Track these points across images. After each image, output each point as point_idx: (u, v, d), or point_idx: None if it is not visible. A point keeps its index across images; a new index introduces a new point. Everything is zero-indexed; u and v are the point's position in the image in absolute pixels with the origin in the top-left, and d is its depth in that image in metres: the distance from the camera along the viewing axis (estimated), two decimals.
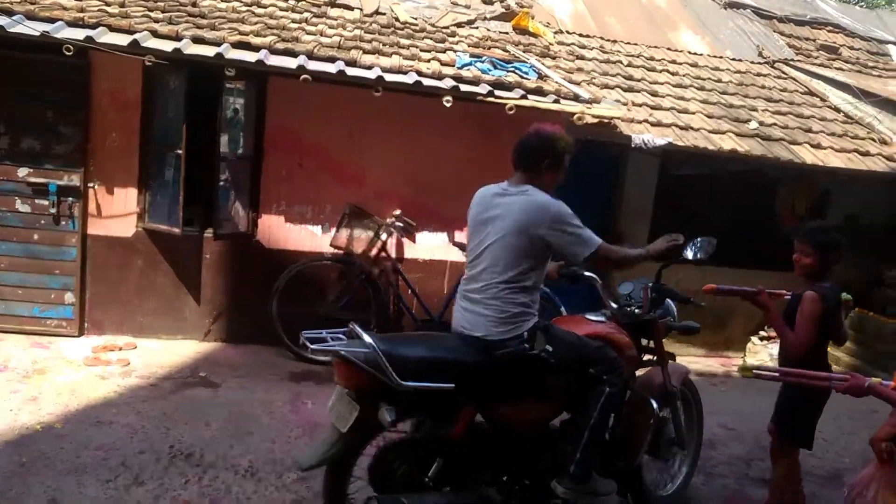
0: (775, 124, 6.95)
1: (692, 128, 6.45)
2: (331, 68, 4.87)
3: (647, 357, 3.36)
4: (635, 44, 8.42)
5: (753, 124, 6.78)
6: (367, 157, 5.53)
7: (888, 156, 6.95)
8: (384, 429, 2.59)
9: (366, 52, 5.45)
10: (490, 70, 5.58)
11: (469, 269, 2.86)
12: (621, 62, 7.65)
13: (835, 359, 7.23)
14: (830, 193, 7.36)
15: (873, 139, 7.26)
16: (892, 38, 10.56)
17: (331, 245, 5.33)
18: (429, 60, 5.59)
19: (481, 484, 2.85)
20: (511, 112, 5.10)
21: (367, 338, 2.48)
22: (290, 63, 4.85)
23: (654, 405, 3.11)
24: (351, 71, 4.93)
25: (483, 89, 5.15)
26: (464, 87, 5.12)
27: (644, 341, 3.33)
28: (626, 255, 2.90)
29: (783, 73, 8.63)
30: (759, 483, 4.04)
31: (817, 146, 6.72)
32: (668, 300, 3.33)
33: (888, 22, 11.38)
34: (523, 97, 5.21)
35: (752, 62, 8.77)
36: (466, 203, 5.62)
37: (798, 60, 8.89)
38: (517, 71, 5.67)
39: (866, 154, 6.86)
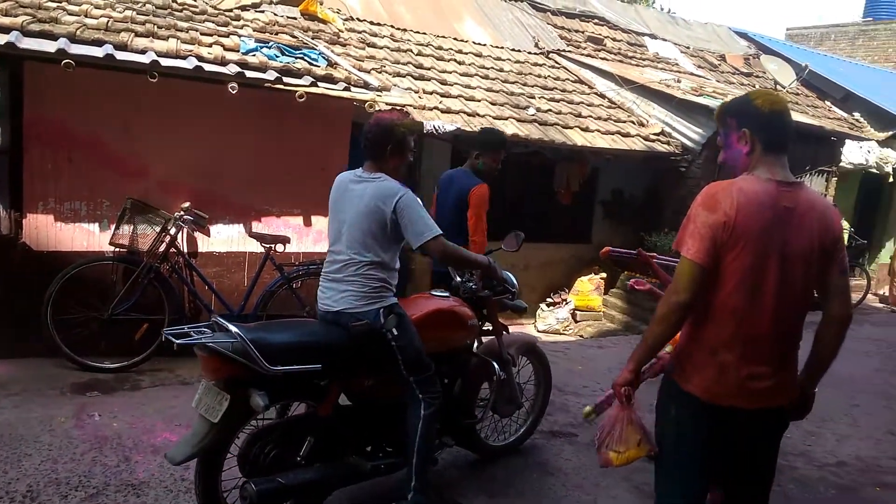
0: (550, 110, 7.59)
1: (479, 114, 6.84)
2: (97, 52, 4.50)
3: (486, 327, 3.67)
4: (424, 33, 8.70)
5: (532, 110, 7.35)
6: (149, 148, 5.18)
7: (645, 136, 7.91)
8: (256, 415, 2.70)
9: (138, 34, 5.09)
10: (277, 56, 5.48)
11: (330, 251, 3.02)
12: (412, 51, 7.88)
13: (609, 316, 8.14)
14: (599, 171, 8.19)
15: (633, 122, 8.21)
16: (648, 30, 11.94)
17: (110, 243, 4.94)
18: (211, 45, 5.36)
19: (351, 455, 3.03)
20: (302, 100, 5.07)
21: (233, 328, 2.57)
22: (48, 46, 4.40)
23: (496, 367, 3.51)
24: (121, 55, 4.59)
25: (270, 76, 5.06)
26: (250, 74, 4.99)
27: None
28: (461, 256, 3.11)
29: (556, 62, 9.42)
30: (550, 435, 4.46)
31: (586, 129, 7.45)
32: (511, 277, 3.65)
33: (644, 16, 12.83)
34: (313, 84, 5.19)
35: (530, 52, 9.46)
36: (262, 192, 5.60)
37: (569, 51, 9.74)
38: (306, 58, 5.63)
39: (627, 135, 7.74)
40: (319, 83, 5.25)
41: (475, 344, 3.60)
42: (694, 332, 2.21)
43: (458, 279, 3.53)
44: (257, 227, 5.56)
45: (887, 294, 10.73)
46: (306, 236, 5.80)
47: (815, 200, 2.20)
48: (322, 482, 2.90)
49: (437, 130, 6.14)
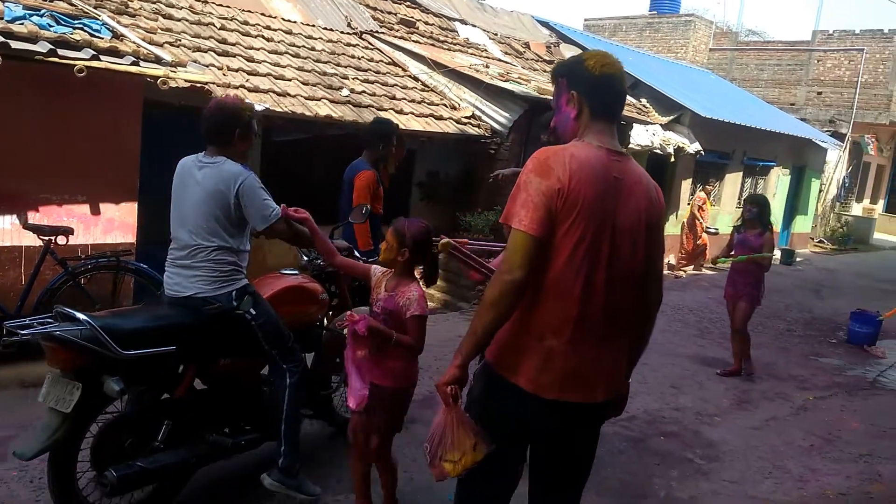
0: (364, 91, 7.52)
1: (289, 94, 6.59)
2: None
3: (334, 302, 3.77)
4: (228, 6, 8.20)
5: (345, 91, 7.23)
6: None
7: (457, 119, 8.10)
8: (111, 402, 2.73)
9: None
10: (51, 26, 4.86)
11: (174, 237, 2.99)
12: (214, 25, 7.40)
13: (428, 295, 8.29)
14: (415, 153, 8.28)
15: (445, 105, 8.38)
16: (458, 16, 12.22)
17: None
18: None
19: (211, 434, 3.08)
20: (82, 74, 4.55)
21: (80, 315, 2.57)
22: None
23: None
24: None
25: (42, 48, 4.48)
26: (16, 45, 4.38)
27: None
28: (298, 232, 3.10)
29: (370, 44, 9.35)
30: None
31: (401, 112, 7.48)
32: (357, 253, 3.88)
33: (454, 1, 13.10)
34: (94, 58, 4.68)
35: (343, 32, 9.29)
36: (38, 178, 4.97)
37: (382, 32, 9.71)
38: (86, 28, 5.05)
39: (440, 118, 7.88)
40: (102, 56, 4.74)
41: (325, 319, 3.73)
42: (520, 314, 1.97)
43: (306, 258, 3.69)
44: (34, 217, 4.93)
45: (673, 262, 11.99)
46: (94, 226, 5.26)
47: (641, 174, 2.07)
48: (183, 463, 2.94)
49: None
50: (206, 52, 6.55)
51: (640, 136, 10.39)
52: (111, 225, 5.33)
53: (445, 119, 7.93)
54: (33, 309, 4.51)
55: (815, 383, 6.13)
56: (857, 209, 20.68)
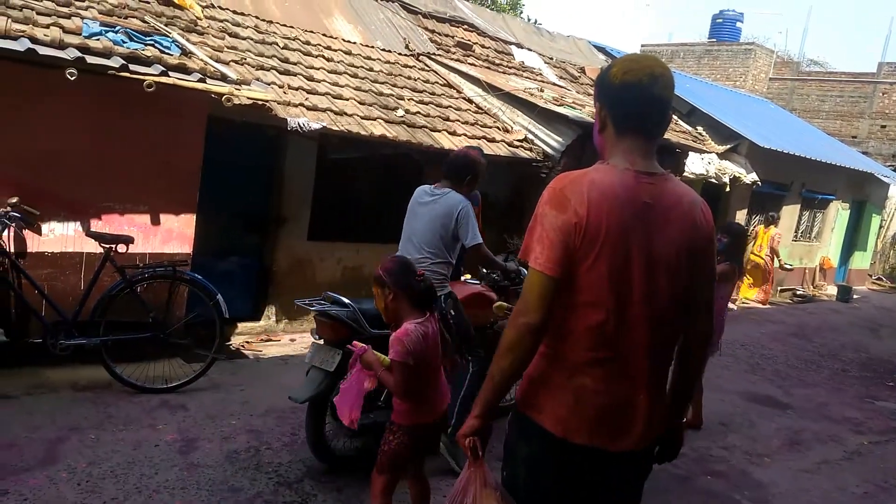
0: (419, 112, 7.60)
1: (346, 113, 6.72)
2: None
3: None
4: (291, 26, 8.44)
5: (400, 112, 7.33)
6: None
7: (510, 142, 8.12)
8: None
9: None
10: (125, 42, 5.08)
11: (404, 249, 3.91)
12: (277, 44, 7.61)
13: None
14: None
15: (498, 128, 8.41)
16: (515, 39, 12.29)
17: None
18: (48, 26, 4.87)
19: None
20: (150, 89, 4.72)
21: (346, 300, 3.63)
22: None
23: None
24: None
25: (115, 63, 4.67)
26: (91, 60, 4.58)
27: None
28: (491, 258, 4.29)
29: (426, 65, 9.47)
30: None
31: (454, 133, 7.53)
32: (524, 271, 4.86)
33: (511, 25, 13.21)
34: (164, 74, 4.85)
35: (400, 53, 9.44)
36: (103, 187, 5.18)
37: (439, 54, 9.83)
38: (157, 45, 5.26)
39: (493, 140, 7.90)
40: (171, 73, 4.92)
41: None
42: (548, 349, 1.82)
43: (485, 272, 4.72)
44: (97, 225, 5.12)
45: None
46: (153, 236, 5.43)
47: (683, 194, 1.83)
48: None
49: (301, 128, 5.95)
50: (268, 70, 6.73)
51: (696, 165, 10.23)
52: (169, 235, 5.49)
53: (498, 141, 7.95)
54: (90, 314, 4.67)
55: (870, 427, 5.88)
56: None
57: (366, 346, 2.95)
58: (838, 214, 14.94)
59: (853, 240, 15.95)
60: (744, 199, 12.17)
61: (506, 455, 1.97)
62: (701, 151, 10.50)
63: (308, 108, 6.34)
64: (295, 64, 7.29)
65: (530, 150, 8.17)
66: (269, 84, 6.32)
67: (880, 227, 17.11)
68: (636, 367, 1.80)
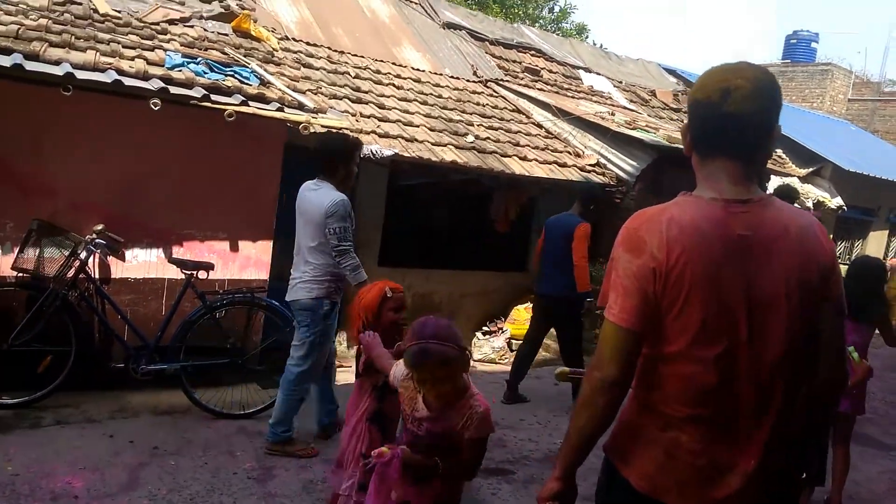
0: (489, 138, 7.54)
1: (417, 140, 6.71)
2: (4, 61, 4.13)
3: None
4: (362, 56, 8.56)
5: (470, 138, 7.28)
6: (59, 166, 4.80)
7: (581, 167, 7.95)
8: None
9: (53, 44, 4.74)
10: (206, 73, 5.21)
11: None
12: (349, 73, 7.71)
13: (545, 345, 8.05)
14: (536, 200, 8.18)
15: (569, 152, 8.25)
16: (583, 64, 12.16)
17: (13, 268, 4.51)
18: (133, 59, 5.04)
19: None
20: (231, 119, 4.80)
21: None
22: None
23: None
24: (31, 66, 4.24)
25: (197, 93, 4.79)
26: (174, 90, 4.70)
27: None
28: None
29: (494, 91, 9.44)
30: (486, 473, 4.27)
31: (524, 158, 7.43)
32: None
33: (579, 50, 13.09)
34: (244, 103, 4.94)
35: (468, 80, 9.44)
36: (184, 215, 5.28)
37: (507, 80, 9.78)
38: (237, 75, 5.38)
39: (564, 165, 7.75)
40: (251, 102, 5.00)
41: None
42: (640, 394, 1.64)
43: None
44: (178, 252, 5.21)
45: None
46: (232, 262, 5.49)
47: (790, 220, 1.56)
48: None
49: (374, 155, 5.97)
50: (341, 99, 6.81)
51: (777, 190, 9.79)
52: (247, 262, 5.54)
53: (570, 166, 7.80)
54: (171, 340, 4.73)
55: None
56: None
57: (394, 448, 2.37)
58: None
59: None
60: (828, 224, 11.56)
61: (597, 501, 1.79)
62: (783, 174, 10.06)
63: (380, 136, 6.37)
64: (366, 92, 7.35)
65: (603, 174, 7.98)
66: (342, 112, 6.38)
67: None
68: (743, 426, 1.55)
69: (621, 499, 1.65)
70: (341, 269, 4.06)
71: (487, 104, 8.83)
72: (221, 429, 4.53)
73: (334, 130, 5.52)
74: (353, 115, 6.54)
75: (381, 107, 7.13)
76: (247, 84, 5.28)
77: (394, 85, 8.02)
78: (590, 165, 8.03)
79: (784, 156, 11.07)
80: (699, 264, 1.48)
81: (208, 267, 4.93)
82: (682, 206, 1.56)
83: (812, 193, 10.33)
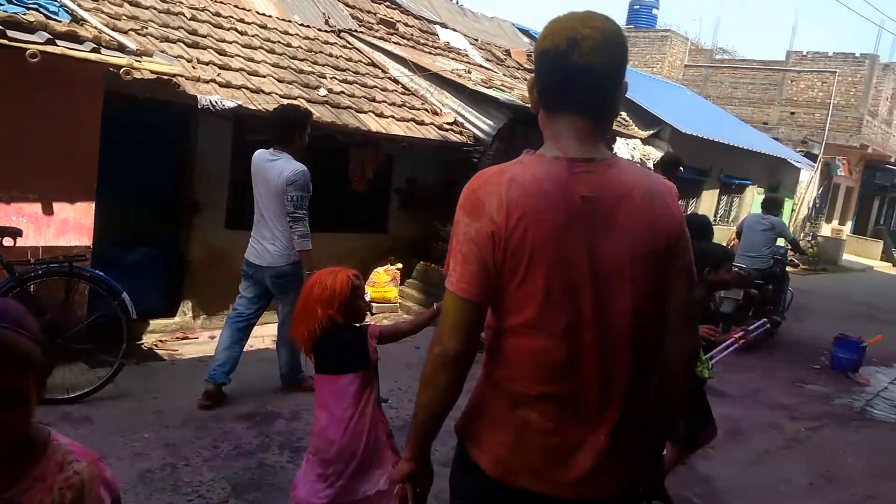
0: (343, 92, 7.15)
1: (263, 91, 6.21)
2: None
3: None
4: None
5: (323, 91, 6.86)
6: None
7: (439, 125, 7.78)
8: None
9: None
10: (2, 4, 4.40)
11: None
12: (184, 14, 6.95)
13: (406, 308, 7.94)
14: (393, 158, 7.93)
15: (427, 110, 8.05)
16: (439, 19, 11.92)
17: None
18: None
19: None
20: (35, 60, 4.07)
21: None
22: None
23: None
24: None
25: None
26: None
27: None
28: None
29: (348, 43, 8.98)
30: None
31: (381, 115, 7.13)
32: None
33: (435, 4, 12.81)
34: (50, 42, 4.22)
35: (320, 29, 8.91)
36: None
37: (361, 32, 9.35)
38: (41, 9, 4.59)
39: (422, 123, 7.54)
40: (59, 41, 4.28)
41: None
42: (489, 370, 1.52)
43: None
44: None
45: None
46: (47, 227, 4.78)
47: (634, 182, 1.45)
48: None
49: (214, 106, 5.42)
50: (174, 42, 6.12)
51: (622, 150, 10.23)
52: (65, 226, 4.86)
53: (427, 124, 7.60)
54: None
55: (804, 413, 5.93)
56: (826, 230, 20.95)
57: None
58: (754, 199, 15.45)
59: None
60: None
61: (450, 488, 1.66)
62: (628, 136, 10.50)
63: (221, 85, 5.81)
64: (205, 37, 6.68)
65: (461, 133, 7.86)
66: (175, 57, 5.73)
67: (792, 210, 17.85)
68: (592, 402, 1.46)
69: (473, 487, 1.54)
70: (291, 232, 4.34)
71: (341, 56, 8.38)
72: (41, 416, 3.93)
73: (165, 77, 4.92)
74: (190, 61, 5.90)
75: (223, 53, 6.51)
76: (54, 20, 4.52)
77: (236, 30, 7.35)
78: (447, 124, 7.88)
79: (628, 118, 11.57)
80: (541, 228, 1.37)
81: (15, 233, 4.23)
82: (525, 165, 1.44)
83: (653, 154, 10.89)
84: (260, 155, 4.49)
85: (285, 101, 6.21)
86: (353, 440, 2.55)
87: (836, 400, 6.44)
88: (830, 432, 5.51)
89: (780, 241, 8.32)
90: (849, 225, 23.47)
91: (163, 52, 5.56)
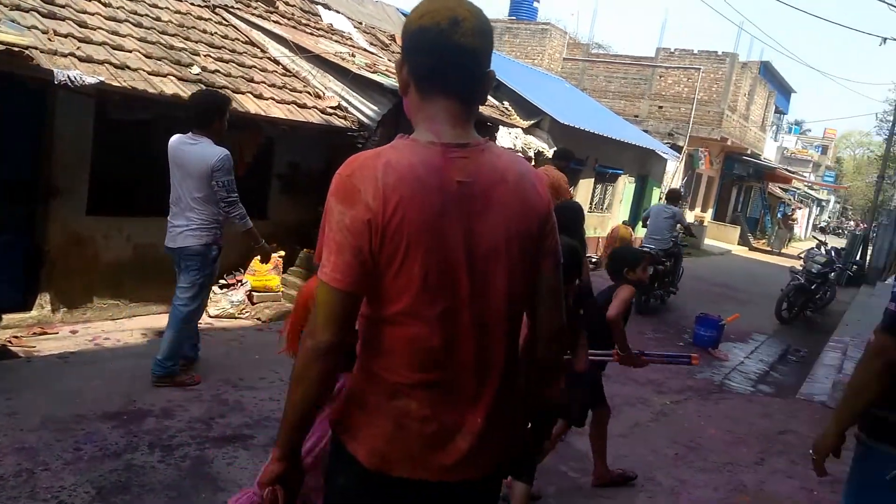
0: (218, 71, 6.82)
1: (129, 67, 5.79)
2: None
3: None
4: None
5: (196, 69, 6.51)
6: None
7: (322, 109, 7.60)
8: None
9: None
10: None
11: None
12: None
13: (289, 296, 7.73)
14: (274, 142, 7.68)
15: (309, 93, 7.83)
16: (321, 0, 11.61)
17: None
18: None
19: None
20: None
21: None
22: None
23: None
24: None
25: None
26: None
27: None
28: None
29: (224, 19, 8.56)
30: (221, 441, 3.90)
31: (259, 96, 6.85)
32: None
33: None
34: None
35: (193, 3, 8.42)
36: None
37: (238, 8, 8.94)
38: None
39: (304, 106, 7.33)
40: None
41: None
42: (365, 361, 1.50)
43: None
44: None
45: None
46: None
47: (507, 167, 1.47)
48: None
49: (72, 82, 4.99)
50: (27, 11, 5.58)
51: (504, 139, 10.44)
52: None
53: (310, 108, 7.40)
54: None
55: (670, 387, 6.34)
56: (689, 216, 22.48)
57: None
58: (626, 188, 16.29)
59: (638, 212, 17.49)
60: None
61: (325, 484, 1.63)
62: (509, 125, 10.73)
63: (81, 59, 5.37)
64: (63, 7, 6.13)
65: (345, 118, 7.72)
66: (28, 28, 5.23)
67: (659, 198, 18.97)
68: (468, 386, 1.48)
69: (350, 480, 1.50)
70: (230, 218, 4.52)
71: (216, 33, 7.98)
72: None
73: (15, 49, 4.48)
74: (45, 32, 5.40)
75: (83, 25, 6.01)
76: None
77: (99, 1, 6.81)
78: (331, 108, 7.71)
79: (510, 108, 11.82)
80: (418, 215, 1.36)
81: None
82: (400, 150, 1.42)
83: (534, 144, 11.22)
84: (178, 139, 4.55)
85: (155, 79, 5.86)
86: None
87: (698, 375, 6.93)
88: (693, 405, 5.94)
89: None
90: (710, 212, 25.31)
91: (13, 21, 5.06)
